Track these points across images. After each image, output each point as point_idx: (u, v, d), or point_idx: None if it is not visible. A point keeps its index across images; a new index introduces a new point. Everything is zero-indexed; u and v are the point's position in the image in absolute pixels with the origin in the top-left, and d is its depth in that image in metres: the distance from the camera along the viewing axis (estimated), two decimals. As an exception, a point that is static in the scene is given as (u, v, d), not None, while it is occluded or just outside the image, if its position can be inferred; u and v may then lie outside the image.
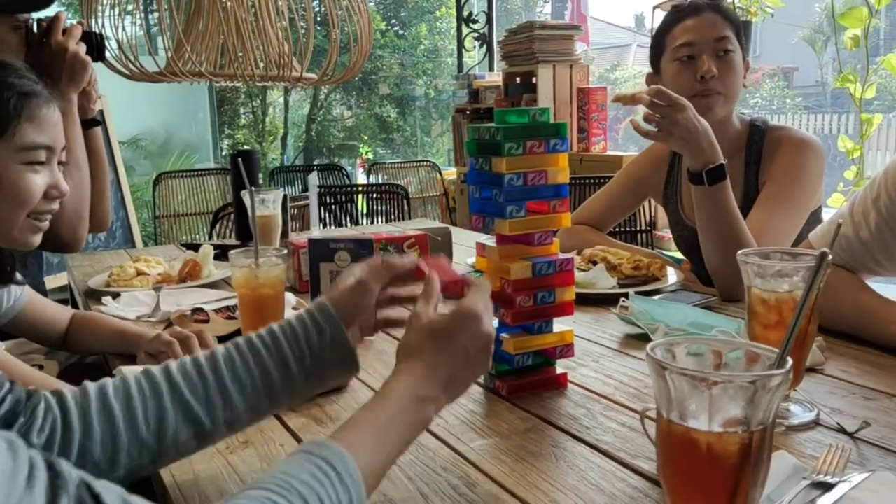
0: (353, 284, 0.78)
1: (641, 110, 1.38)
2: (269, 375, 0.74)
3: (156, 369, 0.74)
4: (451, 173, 5.24)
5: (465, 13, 4.94)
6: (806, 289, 0.51)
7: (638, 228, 2.82)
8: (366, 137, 12.50)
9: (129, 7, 2.40)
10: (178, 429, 0.71)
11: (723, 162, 1.34)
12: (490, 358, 0.74)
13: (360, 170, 10.65)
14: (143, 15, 3.03)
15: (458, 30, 5.05)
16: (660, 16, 1.62)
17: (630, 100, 1.39)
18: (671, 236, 1.81)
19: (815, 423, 0.87)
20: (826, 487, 0.71)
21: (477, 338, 0.72)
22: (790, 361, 0.53)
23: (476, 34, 4.92)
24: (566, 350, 1.01)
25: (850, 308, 1.16)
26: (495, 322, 0.92)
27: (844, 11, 2.35)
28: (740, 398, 0.52)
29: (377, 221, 3.60)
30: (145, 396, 0.72)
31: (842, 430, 0.85)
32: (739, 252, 0.89)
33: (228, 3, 2.31)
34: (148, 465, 0.72)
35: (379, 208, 3.65)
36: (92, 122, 1.68)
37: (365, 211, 3.79)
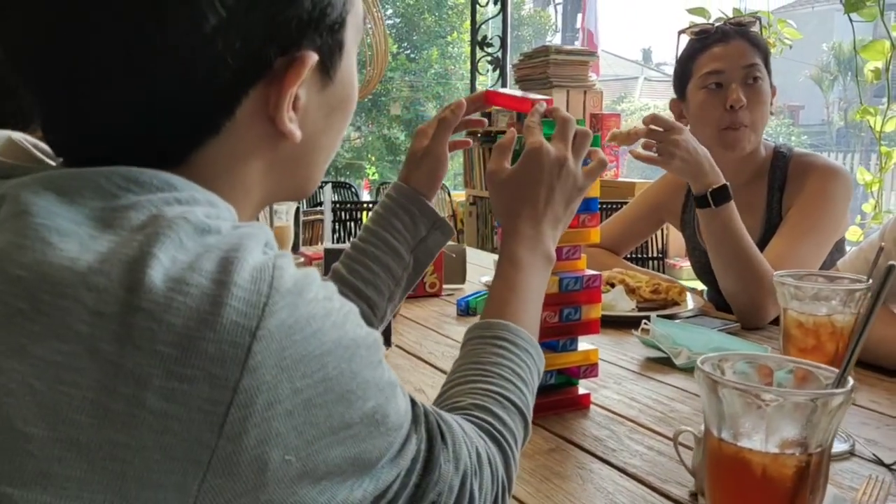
0: (420, 156, 0.89)
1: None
2: (390, 267, 0.85)
3: None
4: (460, 195, 5.23)
5: (480, 37, 4.96)
6: (871, 303, 0.49)
7: (650, 255, 2.79)
8: (373, 158, 12.54)
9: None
10: None
11: (725, 183, 1.33)
12: (572, 176, 0.80)
13: (366, 191, 10.68)
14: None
15: (472, 53, 5.07)
16: (684, 40, 1.60)
17: (626, 137, 1.40)
18: (682, 265, 1.79)
19: (851, 454, 0.84)
20: (868, 520, 0.68)
21: (551, 166, 0.79)
22: (852, 381, 0.50)
23: (490, 58, 4.94)
24: (590, 370, 0.98)
25: (878, 338, 1.12)
26: None
27: (867, 44, 2.35)
28: (798, 418, 0.49)
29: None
30: None
31: (879, 462, 0.82)
32: (776, 273, 0.86)
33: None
34: None
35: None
36: None
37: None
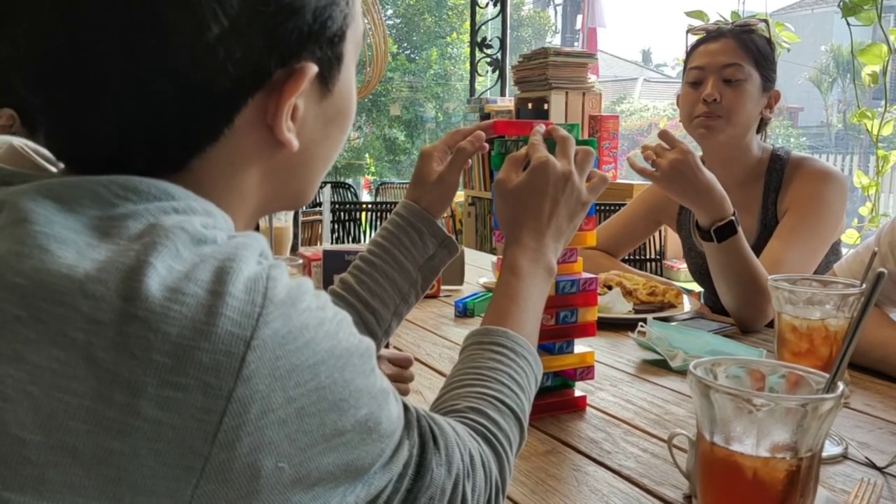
0: (434, 181, 0.91)
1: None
2: (396, 282, 0.88)
3: None
4: (458, 195, 5.23)
5: (479, 38, 4.97)
6: (861, 309, 0.49)
7: (647, 257, 2.80)
8: (371, 160, 12.54)
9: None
10: None
11: (732, 218, 1.28)
12: (576, 190, 0.82)
13: (365, 190, 10.69)
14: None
15: (472, 54, 5.07)
16: (692, 40, 1.64)
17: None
18: (679, 266, 1.80)
19: (844, 457, 0.85)
20: (860, 523, 0.68)
21: (556, 180, 0.80)
22: (842, 386, 0.50)
23: (489, 59, 4.95)
24: (586, 372, 0.98)
25: (872, 342, 1.13)
26: None
27: (864, 48, 2.35)
28: (789, 422, 0.50)
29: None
30: None
31: (871, 465, 0.82)
32: (770, 278, 0.87)
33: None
34: None
35: (386, 227, 3.63)
36: None
37: (367, 230, 3.75)
